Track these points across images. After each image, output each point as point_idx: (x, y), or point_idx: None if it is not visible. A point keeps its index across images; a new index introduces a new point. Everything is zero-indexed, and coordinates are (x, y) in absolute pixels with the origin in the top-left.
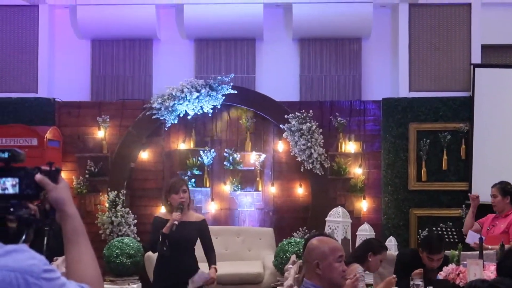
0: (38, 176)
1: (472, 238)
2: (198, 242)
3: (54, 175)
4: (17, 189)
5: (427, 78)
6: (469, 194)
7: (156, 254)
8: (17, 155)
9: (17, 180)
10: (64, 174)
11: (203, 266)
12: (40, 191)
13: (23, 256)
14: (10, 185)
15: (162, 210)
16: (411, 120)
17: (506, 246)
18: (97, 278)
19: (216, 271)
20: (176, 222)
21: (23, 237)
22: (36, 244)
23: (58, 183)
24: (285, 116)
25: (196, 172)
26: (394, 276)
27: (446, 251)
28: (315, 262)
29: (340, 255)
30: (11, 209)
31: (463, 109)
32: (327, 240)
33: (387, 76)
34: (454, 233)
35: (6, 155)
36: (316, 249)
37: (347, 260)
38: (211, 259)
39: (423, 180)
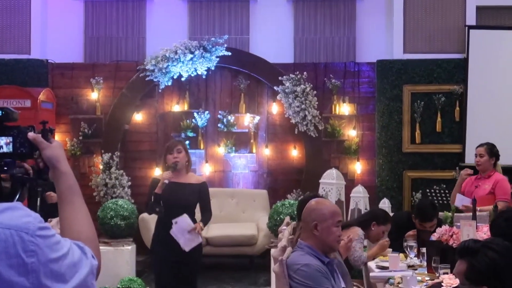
0: (31, 134)
1: (460, 201)
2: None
3: (47, 134)
4: (10, 148)
5: (421, 39)
6: (466, 171)
7: (154, 217)
8: (10, 113)
9: (10, 138)
10: (57, 136)
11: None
12: (34, 150)
13: (18, 214)
14: (3, 143)
15: (156, 172)
16: (406, 82)
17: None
18: (92, 236)
19: (202, 229)
20: (166, 181)
21: (17, 196)
22: (29, 205)
23: (51, 142)
24: (279, 78)
25: (190, 134)
26: (387, 239)
27: (439, 213)
28: (313, 223)
29: (339, 220)
30: (5, 168)
31: (458, 71)
32: (328, 202)
33: (381, 38)
34: (448, 195)
35: None
36: (316, 211)
37: (350, 223)
38: (204, 218)
39: (417, 142)
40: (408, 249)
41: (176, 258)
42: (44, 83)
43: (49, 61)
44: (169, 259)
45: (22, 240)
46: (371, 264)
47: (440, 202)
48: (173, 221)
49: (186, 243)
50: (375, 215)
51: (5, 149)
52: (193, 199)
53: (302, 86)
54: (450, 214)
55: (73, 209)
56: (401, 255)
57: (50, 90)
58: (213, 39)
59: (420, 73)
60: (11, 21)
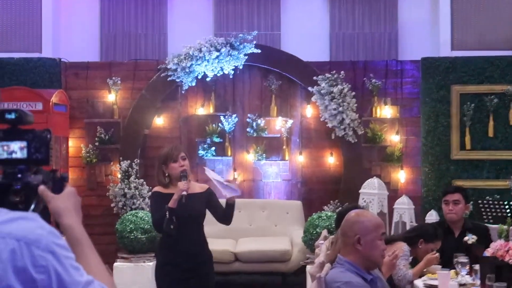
0: (41, 188)
1: None
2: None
3: (58, 184)
4: (25, 153)
5: (471, 35)
6: None
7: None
8: (24, 116)
9: (25, 143)
10: (71, 142)
11: (222, 243)
12: (50, 156)
13: (30, 225)
14: (17, 148)
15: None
16: (454, 82)
17: None
18: (111, 286)
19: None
20: (185, 193)
21: (32, 206)
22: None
23: (61, 192)
24: (314, 77)
25: (217, 140)
26: (437, 254)
27: (493, 225)
28: (356, 236)
29: (383, 232)
30: (19, 175)
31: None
32: (370, 214)
33: (426, 33)
34: (506, 206)
35: (13, 115)
36: (359, 223)
37: (394, 238)
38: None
39: (467, 148)
40: (459, 266)
41: (185, 283)
42: (56, 84)
43: (62, 60)
44: (176, 285)
45: (32, 255)
46: (418, 283)
47: (494, 214)
48: (206, 168)
49: (226, 190)
50: (424, 232)
51: (19, 155)
52: (202, 209)
53: (339, 86)
54: (505, 227)
55: (85, 262)
56: (452, 272)
57: (63, 91)
58: (241, 35)
59: (470, 72)
60: (20, 17)
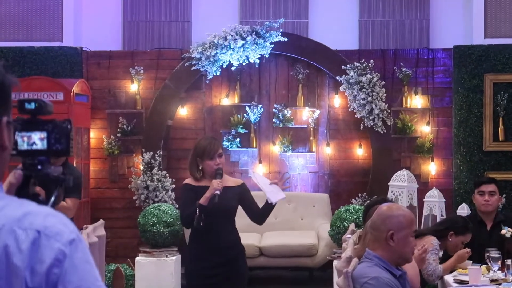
0: None
1: None
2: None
3: None
4: (45, 144)
5: (505, 22)
6: None
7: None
8: (44, 106)
9: (45, 133)
10: (93, 133)
11: (246, 237)
12: (71, 147)
13: (53, 219)
14: (37, 139)
15: None
16: (487, 71)
17: None
18: None
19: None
20: (218, 192)
21: (52, 198)
22: None
23: None
24: (342, 66)
25: (241, 131)
26: (468, 249)
27: None
28: (389, 232)
29: (415, 228)
30: (39, 167)
31: None
32: (403, 208)
33: (459, 20)
34: None
35: (32, 105)
36: (392, 218)
37: (423, 232)
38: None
39: (500, 139)
40: (491, 261)
41: (217, 278)
42: (78, 74)
43: (83, 49)
44: (208, 280)
45: (51, 247)
46: (448, 278)
47: None
48: (251, 171)
49: (271, 194)
50: (453, 224)
51: (39, 146)
52: (234, 203)
53: (369, 75)
54: None
55: None
56: (483, 267)
57: (84, 81)
58: (267, 23)
59: (504, 61)
60: (41, 4)
